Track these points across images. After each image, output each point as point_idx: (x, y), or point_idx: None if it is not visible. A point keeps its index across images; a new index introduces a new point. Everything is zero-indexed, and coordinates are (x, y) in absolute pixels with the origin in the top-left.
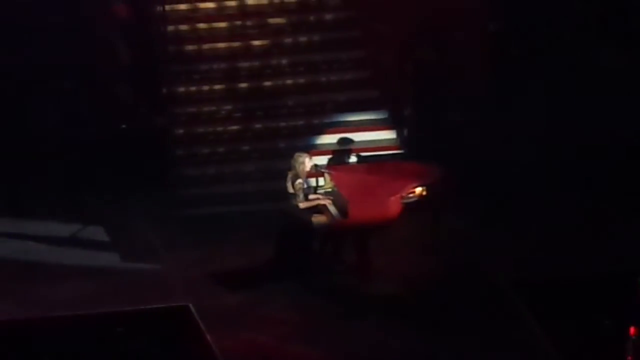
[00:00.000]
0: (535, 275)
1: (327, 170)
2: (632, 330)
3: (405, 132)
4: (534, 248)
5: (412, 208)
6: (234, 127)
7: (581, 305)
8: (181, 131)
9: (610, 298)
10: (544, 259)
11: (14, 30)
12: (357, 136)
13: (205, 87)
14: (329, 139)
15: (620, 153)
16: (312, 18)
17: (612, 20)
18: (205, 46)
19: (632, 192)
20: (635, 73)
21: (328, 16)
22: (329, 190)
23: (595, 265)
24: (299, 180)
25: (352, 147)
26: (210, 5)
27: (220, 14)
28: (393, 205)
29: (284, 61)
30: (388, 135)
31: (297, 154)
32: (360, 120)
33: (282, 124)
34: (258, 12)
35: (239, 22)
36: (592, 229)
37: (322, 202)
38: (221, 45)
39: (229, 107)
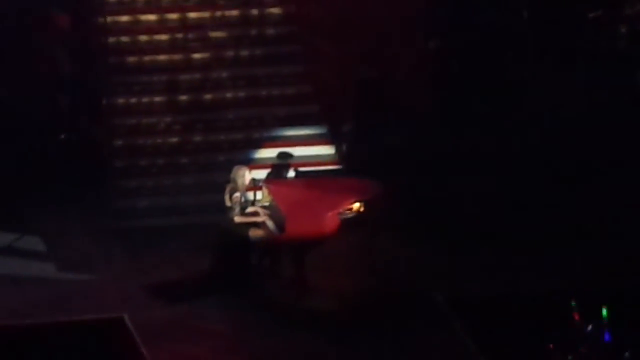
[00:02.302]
0: (471, 294)
1: (265, 184)
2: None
3: (344, 147)
4: (471, 266)
5: (350, 224)
6: (174, 140)
7: (517, 324)
8: (120, 142)
9: (545, 317)
10: (481, 277)
11: None
12: (296, 151)
13: (145, 99)
14: (268, 153)
15: (553, 169)
16: (253, 32)
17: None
18: (146, 58)
19: (568, 214)
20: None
21: (269, 30)
22: (267, 204)
23: (531, 285)
24: (237, 194)
25: (291, 161)
26: (152, 17)
27: (161, 26)
28: (330, 221)
29: (225, 74)
30: (327, 150)
31: (236, 167)
32: (299, 135)
33: (222, 137)
34: (199, 25)
35: (180, 35)
36: (529, 248)
37: (259, 216)
38: (162, 57)
39: (168, 119)
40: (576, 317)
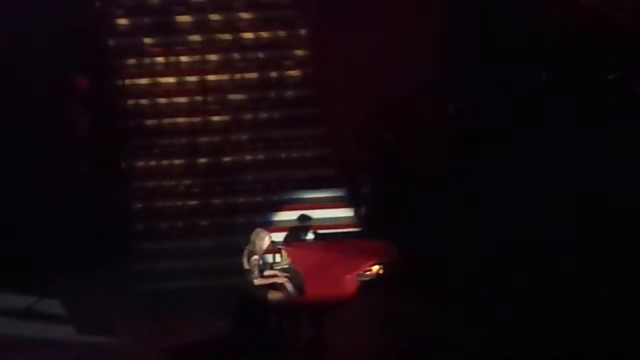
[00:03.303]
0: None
1: (284, 247)
2: None
3: (363, 210)
4: (493, 331)
5: (369, 286)
6: (193, 202)
7: None
8: (140, 205)
9: None
10: (502, 342)
11: None
12: (315, 213)
13: (165, 162)
14: (287, 215)
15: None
16: (272, 94)
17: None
18: (166, 121)
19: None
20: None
21: (288, 93)
22: (286, 267)
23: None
24: (255, 257)
25: (310, 224)
26: (171, 80)
27: (180, 88)
28: (349, 283)
29: (244, 137)
30: (346, 213)
31: (257, 230)
32: (319, 198)
33: (241, 199)
34: (219, 87)
35: (199, 98)
36: (547, 311)
37: (278, 279)
38: (181, 120)
39: (188, 182)
40: None
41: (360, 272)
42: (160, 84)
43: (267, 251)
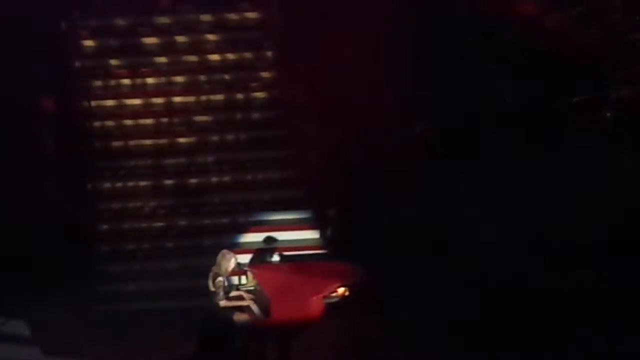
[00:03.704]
0: None
1: (249, 269)
2: None
3: (329, 232)
4: (458, 354)
5: (334, 308)
6: (159, 224)
7: None
8: (106, 227)
9: None
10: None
11: None
12: (281, 235)
13: (131, 184)
14: (253, 237)
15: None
16: (239, 116)
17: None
18: (132, 142)
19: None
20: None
21: (255, 115)
22: (252, 288)
23: None
24: (220, 278)
25: (276, 246)
26: (137, 101)
27: (147, 110)
28: (315, 305)
29: (210, 159)
30: (312, 235)
31: (223, 251)
32: (285, 220)
33: (207, 221)
34: (185, 109)
35: (165, 119)
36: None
37: (244, 300)
38: (147, 141)
39: (154, 203)
40: None
41: (326, 294)
42: (126, 105)
43: (233, 273)
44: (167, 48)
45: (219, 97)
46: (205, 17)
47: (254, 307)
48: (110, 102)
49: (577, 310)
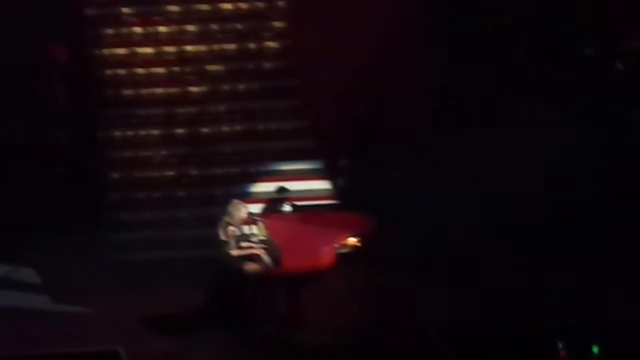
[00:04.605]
0: (467, 329)
1: (260, 219)
2: None
3: (341, 182)
4: (467, 302)
5: (345, 258)
6: (170, 173)
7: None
8: (117, 175)
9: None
10: (476, 313)
11: None
12: (293, 185)
13: (142, 132)
14: (265, 187)
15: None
16: (251, 66)
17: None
18: (143, 91)
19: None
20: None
21: (267, 64)
22: (263, 238)
23: (524, 320)
24: (231, 228)
25: (287, 196)
26: (149, 50)
27: (158, 59)
28: (326, 255)
29: (222, 108)
30: (323, 185)
31: (234, 201)
32: (296, 170)
33: (218, 171)
34: (196, 58)
35: (177, 68)
36: (525, 285)
37: (255, 250)
38: (159, 90)
39: (165, 152)
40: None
41: (337, 244)
42: (137, 54)
43: (244, 223)
44: None
45: (232, 46)
46: None
47: (265, 257)
48: (121, 50)
49: None
